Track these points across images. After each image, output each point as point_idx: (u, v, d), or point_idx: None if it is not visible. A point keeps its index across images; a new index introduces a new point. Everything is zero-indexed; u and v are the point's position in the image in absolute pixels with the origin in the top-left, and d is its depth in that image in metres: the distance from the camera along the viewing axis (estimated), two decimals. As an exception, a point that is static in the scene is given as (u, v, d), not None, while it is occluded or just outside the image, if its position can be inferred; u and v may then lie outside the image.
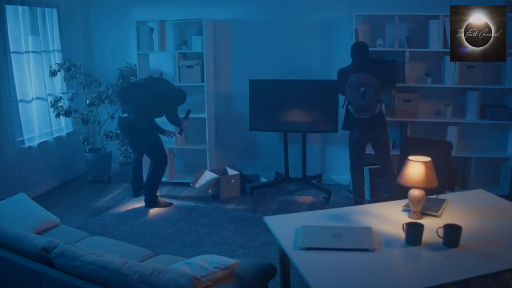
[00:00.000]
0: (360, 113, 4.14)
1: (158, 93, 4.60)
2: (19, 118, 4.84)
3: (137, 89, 4.62)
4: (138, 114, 4.51)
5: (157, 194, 4.77)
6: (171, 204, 4.76)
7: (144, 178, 4.97)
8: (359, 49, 4.31)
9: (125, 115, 4.55)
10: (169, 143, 5.48)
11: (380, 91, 4.13)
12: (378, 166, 4.62)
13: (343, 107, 4.31)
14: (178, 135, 4.99)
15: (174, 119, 4.75)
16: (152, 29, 5.31)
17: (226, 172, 5.22)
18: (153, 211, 4.60)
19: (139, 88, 4.62)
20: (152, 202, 4.70)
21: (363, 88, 4.04)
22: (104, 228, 4.18)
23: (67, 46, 5.46)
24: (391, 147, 4.75)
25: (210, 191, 5.07)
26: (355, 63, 4.30)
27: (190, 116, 4.95)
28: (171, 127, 5.00)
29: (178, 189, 5.29)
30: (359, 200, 4.41)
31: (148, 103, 4.55)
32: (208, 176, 5.03)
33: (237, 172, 5.14)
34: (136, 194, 4.96)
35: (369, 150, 4.52)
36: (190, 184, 5.17)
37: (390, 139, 4.65)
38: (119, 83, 5.37)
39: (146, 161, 5.03)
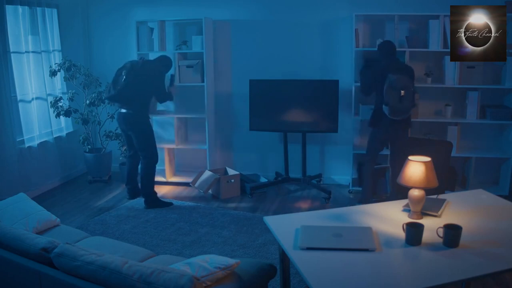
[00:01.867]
0: (395, 115, 4.16)
1: (146, 85, 4.55)
2: (19, 118, 4.84)
3: (125, 91, 4.49)
4: (135, 110, 4.55)
5: (156, 194, 4.77)
6: (171, 203, 4.76)
7: (137, 179, 5.00)
8: (392, 49, 4.31)
9: (123, 110, 4.59)
10: (169, 143, 5.49)
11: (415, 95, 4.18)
12: (381, 166, 4.64)
13: (383, 105, 4.22)
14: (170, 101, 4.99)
15: (164, 96, 4.73)
16: (152, 29, 5.31)
17: (226, 172, 5.22)
18: (153, 211, 4.60)
19: (127, 90, 4.49)
20: (151, 202, 4.70)
21: (403, 92, 4.05)
22: (104, 228, 4.18)
23: (67, 46, 5.46)
24: None
25: (210, 191, 5.07)
26: (392, 63, 4.27)
27: (190, 114, 4.94)
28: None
29: (178, 189, 5.29)
30: (367, 196, 4.42)
31: (142, 98, 4.57)
32: (208, 176, 5.03)
33: (237, 172, 5.14)
34: (132, 196, 4.94)
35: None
36: (190, 184, 5.17)
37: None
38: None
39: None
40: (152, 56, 5.40)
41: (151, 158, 4.70)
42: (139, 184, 4.84)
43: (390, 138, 4.39)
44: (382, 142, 4.46)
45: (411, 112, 4.24)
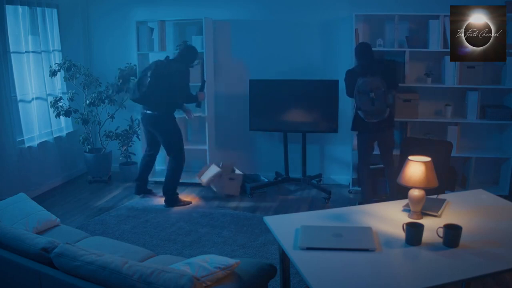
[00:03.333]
0: (370, 118, 4.15)
1: (170, 86, 4.48)
2: (19, 118, 4.84)
3: (150, 93, 4.45)
4: (160, 111, 4.54)
5: (177, 194, 4.80)
6: (190, 202, 4.80)
7: (148, 178, 5.08)
8: (365, 50, 4.31)
9: (149, 112, 4.57)
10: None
11: (389, 95, 4.14)
12: (379, 166, 4.63)
13: (354, 109, 4.30)
14: (197, 108, 5.00)
15: (188, 98, 4.70)
16: (152, 29, 5.31)
17: (233, 170, 5.21)
18: (153, 210, 4.60)
19: (152, 92, 4.44)
20: (172, 201, 4.72)
21: (373, 94, 4.04)
22: (104, 228, 4.18)
23: (67, 46, 5.46)
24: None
25: (213, 187, 5.05)
26: (363, 65, 4.29)
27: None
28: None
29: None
30: (368, 197, 4.42)
31: (167, 99, 4.52)
32: (213, 170, 5.04)
33: (241, 173, 5.14)
34: (139, 192, 4.99)
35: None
36: (196, 177, 5.16)
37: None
38: (119, 83, 5.38)
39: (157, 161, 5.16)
40: (151, 56, 5.40)
41: (179, 158, 4.71)
42: (164, 183, 4.81)
43: (376, 139, 4.40)
44: (369, 144, 4.44)
45: (388, 112, 4.17)
